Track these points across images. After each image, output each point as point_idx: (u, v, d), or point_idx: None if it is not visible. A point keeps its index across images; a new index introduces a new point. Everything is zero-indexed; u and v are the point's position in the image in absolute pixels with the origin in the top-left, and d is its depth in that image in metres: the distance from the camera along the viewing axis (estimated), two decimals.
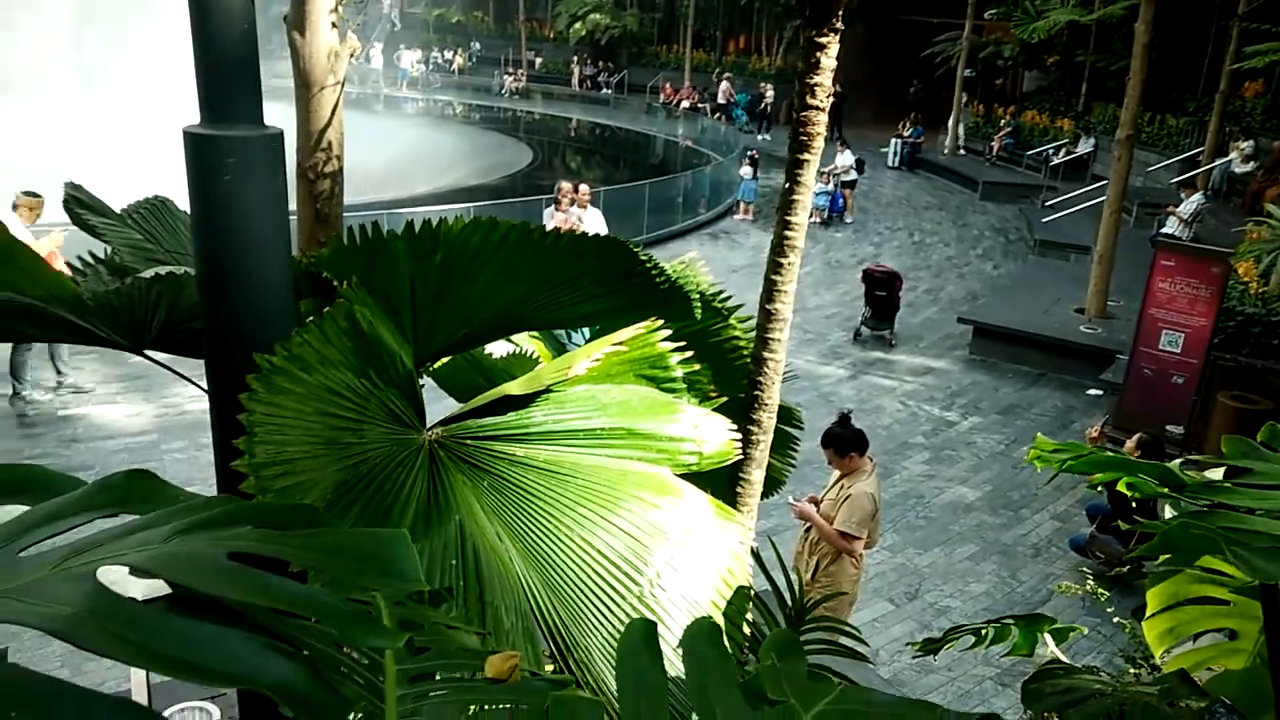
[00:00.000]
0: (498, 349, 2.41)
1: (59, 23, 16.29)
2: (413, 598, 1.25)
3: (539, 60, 38.33)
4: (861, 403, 9.56)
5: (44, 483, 1.03)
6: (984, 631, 2.20)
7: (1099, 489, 6.15)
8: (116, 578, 0.80)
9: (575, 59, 36.59)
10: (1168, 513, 1.88)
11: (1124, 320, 10.81)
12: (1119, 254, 11.34)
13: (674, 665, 1.35)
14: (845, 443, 4.96)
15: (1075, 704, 1.48)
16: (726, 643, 1.24)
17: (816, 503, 5.10)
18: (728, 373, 2.38)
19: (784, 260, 2.22)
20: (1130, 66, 11.06)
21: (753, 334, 2.35)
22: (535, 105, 33.73)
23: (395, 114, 30.65)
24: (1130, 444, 6.36)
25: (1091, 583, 4.04)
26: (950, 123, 23.92)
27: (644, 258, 1.91)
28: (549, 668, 1.66)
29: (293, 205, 2.03)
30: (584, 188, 11.64)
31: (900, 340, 11.57)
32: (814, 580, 4.96)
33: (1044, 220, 16.77)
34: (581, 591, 1.69)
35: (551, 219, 10.88)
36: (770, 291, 2.25)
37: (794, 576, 2.79)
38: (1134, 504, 5.04)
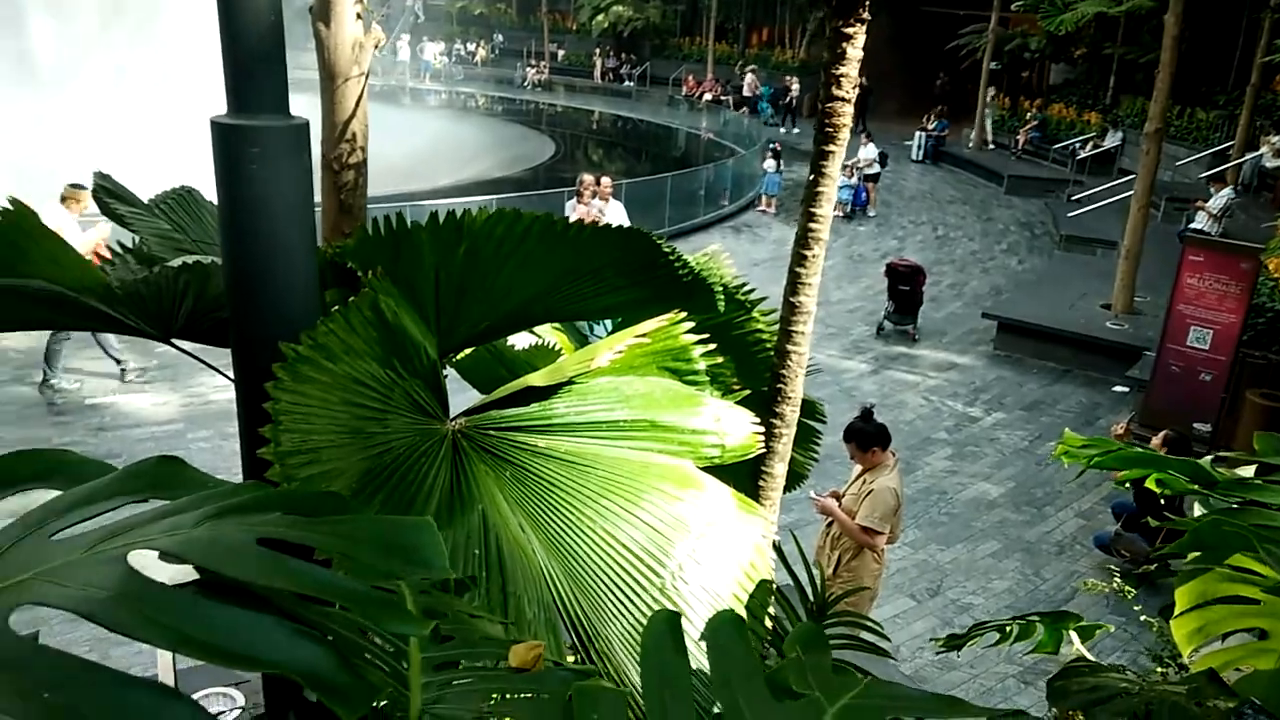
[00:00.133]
0: (520, 341, 2.42)
1: (88, 15, 16.47)
2: (436, 586, 1.26)
3: (561, 53, 38.33)
4: (884, 398, 9.51)
5: (75, 468, 1.04)
6: (1008, 628, 2.19)
7: (1126, 485, 6.09)
8: (144, 563, 0.80)
9: (598, 51, 36.55)
10: (1197, 510, 1.86)
11: (1151, 316, 10.68)
12: (1146, 249, 11.21)
13: (695, 658, 1.35)
14: (867, 437, 4.94)
15: (1102, 702, 1.47)
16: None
17: (838, 497, 5.08)
18: (751, 366, 2.37)
19: (808, 253, 2.21)
20: (1159, 59, 10.91)
21: (776, 327, 2.33)
22: (557, 98, 33.74)
23: (418, 106, 30.74)
24: (1156, 441, 6.29)
25: (1118, 580, 4.01)
26: (976, 116, 23.69)
27: (667, 249, 1.91)
28: (570, 659, 1.66)
29: (317, 197, 2.03)
30: (606, 180, 11.64)
31: (923, 335, 11.49)
32: (835, 575, 4.95)
33: (1070, 215, 16.59)
34: (603, 583, 1.69)
35: (573, 211, 10.88)
36: (794, 284, 2.24)
37: (815, 571, 2.78)
38: (1162, 501, 4.99)
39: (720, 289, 2.13)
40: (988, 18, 23.14)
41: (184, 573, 0.82)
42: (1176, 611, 1.86)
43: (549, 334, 2.60)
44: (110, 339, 8.34)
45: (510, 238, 1.73)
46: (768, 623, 1.86)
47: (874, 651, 2.43)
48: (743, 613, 1.73)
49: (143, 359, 8.75)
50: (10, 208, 1.59)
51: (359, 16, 2.88)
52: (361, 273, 1.71)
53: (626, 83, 35.18)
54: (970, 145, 23.79)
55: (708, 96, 30.56)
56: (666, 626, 0.97)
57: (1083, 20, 20.60)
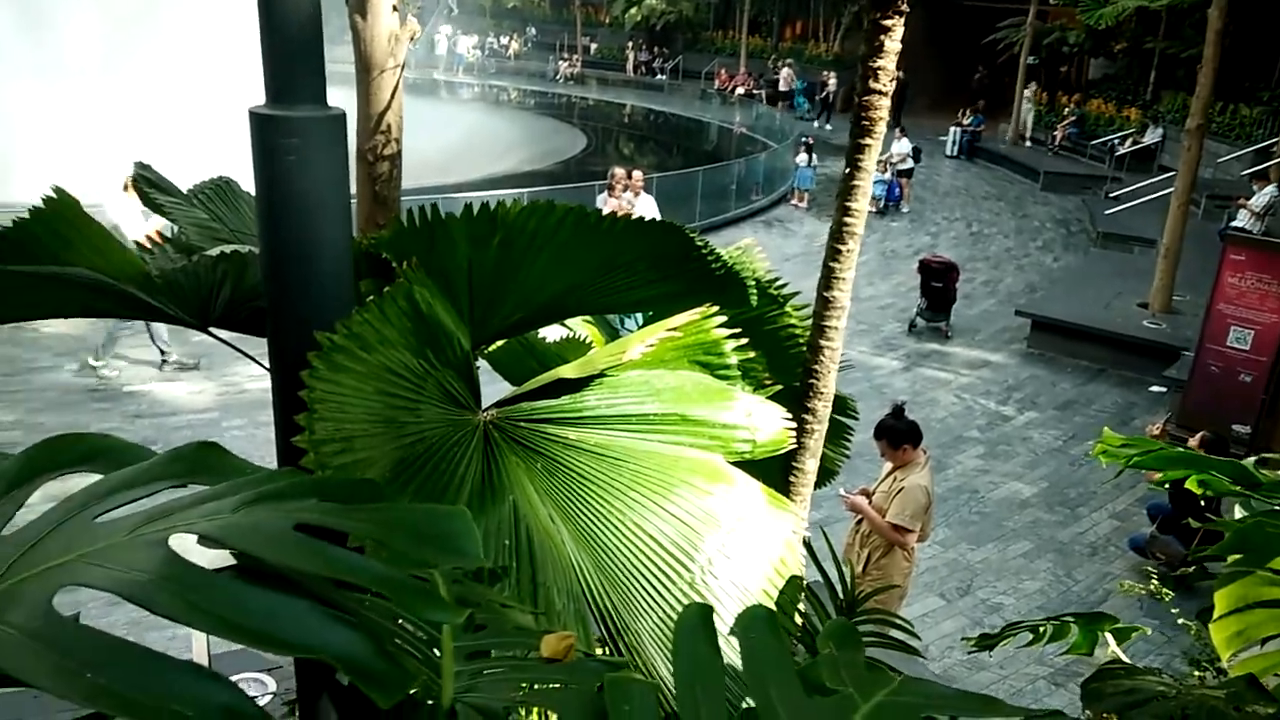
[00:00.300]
0: (550, 333, 2.42)
1: (129, 5, 16.70)
2: (469, 575, 1.26)
3: (594, 46, 38.33)
4: (915, 395, 9.43)
5: (117, 453, 1.06)
6: (1042, 629, 2.16)
7: (1164, 485, 6.00)
8: (183, 547, 0.81)
9: (630, 45, 36.51)
10: (1238, 512, 1.82)
11: (1190, 316, 10.50)
12: (1185, 247, 11.01)
13: (725, 653, 1.34)
14: (899, 435, 4.90)
15: (1138, 705, 1.44)
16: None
17: (868, 495, 5.05)
18: (783, 360, 2.36)
19: (843, 247, 2.19)
20: (1202, 54, 10.70)
21: (808, 322, 2.32)
22: (590, 91, 33.75)
23: (451, 99, 30.89)
24: (1193, 442, 6.19)
25: (1155, 582, 3.95)
26: (1014, 111, 23.38)
27: (700, 243, 1.90)
28: (599, 651, 1.66)
29: (353, 188, 2.05)
30: (637, 174, 11.63)
31: (956, 332, 11.38)
32: (865, 573, 4.92)
33: (1107, 212, 16.34)
34: (633, 576, 1.69)
35: (605, 205, 10.89)
36: (828, 279, 2.22)
37: (845, 569, 2.77)
38: (1201, 503, 4.90)
39: (753, 283, 2.12)
40: (1026, 11, 22.82)
41: (221, 557, 0.83)
42: (1216, 615, 1.83)
43: (580, 327, 2.61)
44: (161, 330, 8.49)
45: (544, 230, 1.73)
46: (797, 619, 1.85)
47: (904, 650, 2.41)
48: (773, 608, 1.72)
49: (180, 348, 8.89)
50: (55, 196, 1.61)
51: (395, 9, 2.89)
52: (396, 264, 1.72)
53: (659, 76, 35.10)
54: (1007, 140, 23.49)
55: (740, 90, 30.42)
56: (699, 620, 0.97)
57: (1123, 14, 20.25)
